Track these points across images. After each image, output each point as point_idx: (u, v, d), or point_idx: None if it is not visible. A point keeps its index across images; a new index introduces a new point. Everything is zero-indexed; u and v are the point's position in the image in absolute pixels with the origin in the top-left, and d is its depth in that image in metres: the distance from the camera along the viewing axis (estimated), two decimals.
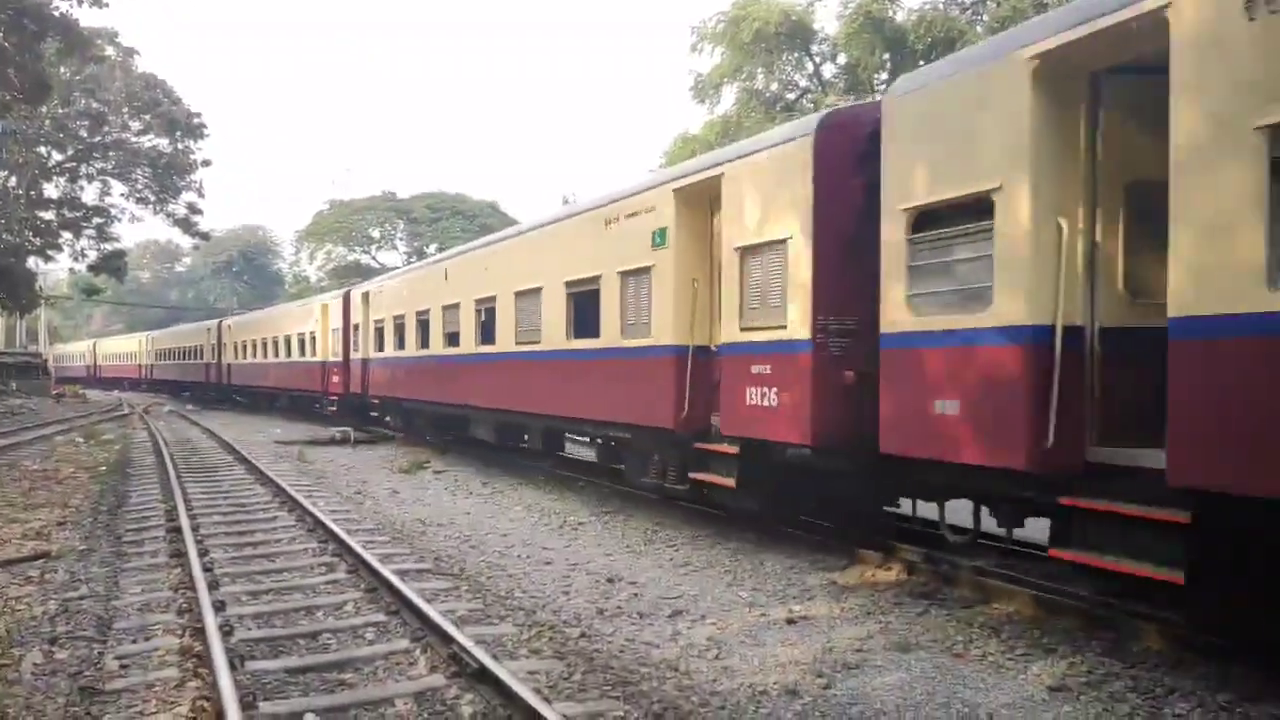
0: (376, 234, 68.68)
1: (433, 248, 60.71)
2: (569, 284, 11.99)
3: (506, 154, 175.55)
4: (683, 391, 9.37)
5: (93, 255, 43.97)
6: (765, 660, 5.70)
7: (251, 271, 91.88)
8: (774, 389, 8.12)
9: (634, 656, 5.77)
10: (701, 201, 9.57)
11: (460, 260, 16.88)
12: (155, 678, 5.26)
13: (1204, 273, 4.78)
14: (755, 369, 8.38)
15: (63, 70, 35.21)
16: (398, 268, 37.05)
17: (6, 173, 38.58)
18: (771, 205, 8.28)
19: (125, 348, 62.36)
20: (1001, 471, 6.14)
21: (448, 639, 5.62)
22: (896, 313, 6.94)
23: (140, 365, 56.04)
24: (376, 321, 21.34)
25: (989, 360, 6.17)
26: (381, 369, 21.10)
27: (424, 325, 17.93)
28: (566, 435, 14.92)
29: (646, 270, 10.14)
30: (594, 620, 6.60)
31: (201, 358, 41.20)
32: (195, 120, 44.32)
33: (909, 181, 6.84)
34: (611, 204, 11.26)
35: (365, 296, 22.35)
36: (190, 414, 32.71)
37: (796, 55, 31.72)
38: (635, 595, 7.31)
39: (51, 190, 42.75)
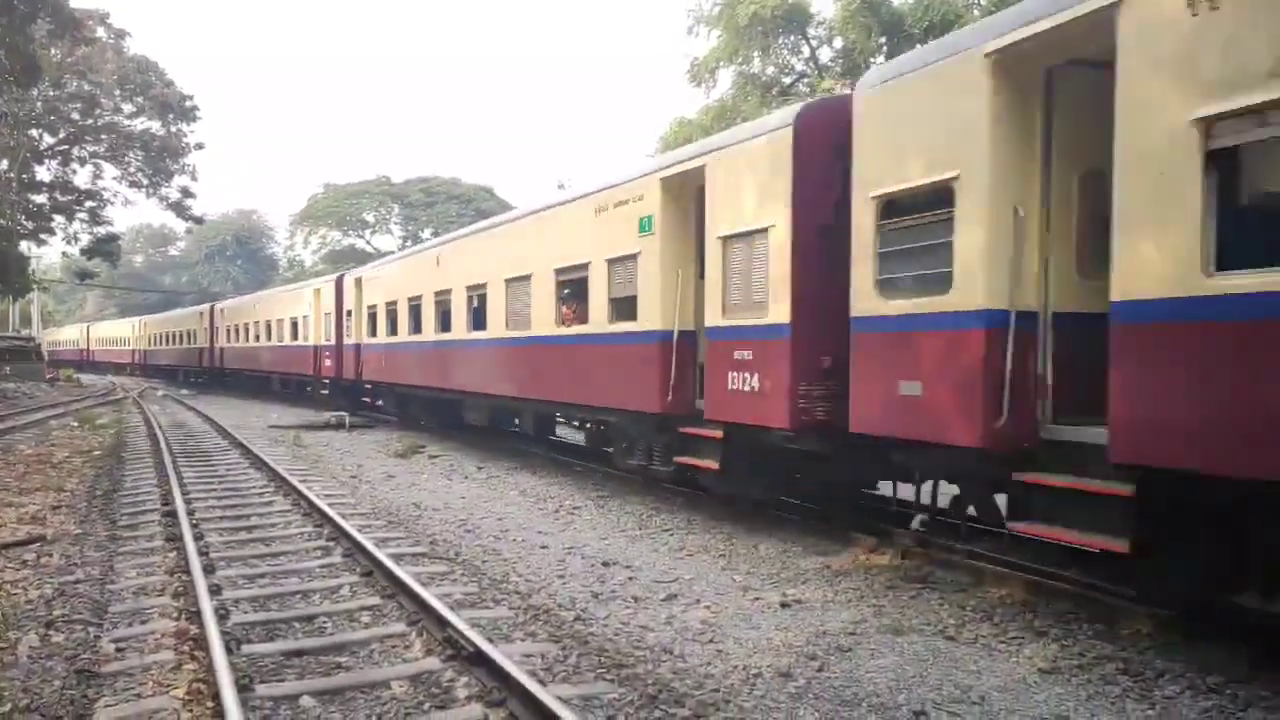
0: (371, 218, 68.41)
1: (427, 232, 60.51)
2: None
3: (501, 137, 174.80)
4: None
5: (85, 239, 43.75)
6: (759, 643, 5.73)
7: (246, 256, 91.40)
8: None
9: (629, 640, 5.80)
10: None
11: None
12: (151, 661, 5.27)
13: (1145, 260, 5.04)
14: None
15: (54, 52, 34.88)
16: (392, 252, 37.00)
17: None
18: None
19: (118, 332, 63.96)
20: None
21: (443, 622, 5.63)
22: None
23: (133, 350, 57.62)
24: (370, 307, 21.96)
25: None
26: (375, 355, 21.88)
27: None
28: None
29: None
30: (589, 604, 6.62)
31: (195, 342, 42.40)
32: (188, 103, 43.97)
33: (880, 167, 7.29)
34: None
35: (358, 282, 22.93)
36: (185, 398, 32.67)
37: (793, 39, 31.53)
38: (630, 579, 7.34)
39: (43, 173, 42.45)
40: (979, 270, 6.14)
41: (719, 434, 8.99)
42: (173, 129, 44.28)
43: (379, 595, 6.68)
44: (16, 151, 37.39)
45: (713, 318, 9.07)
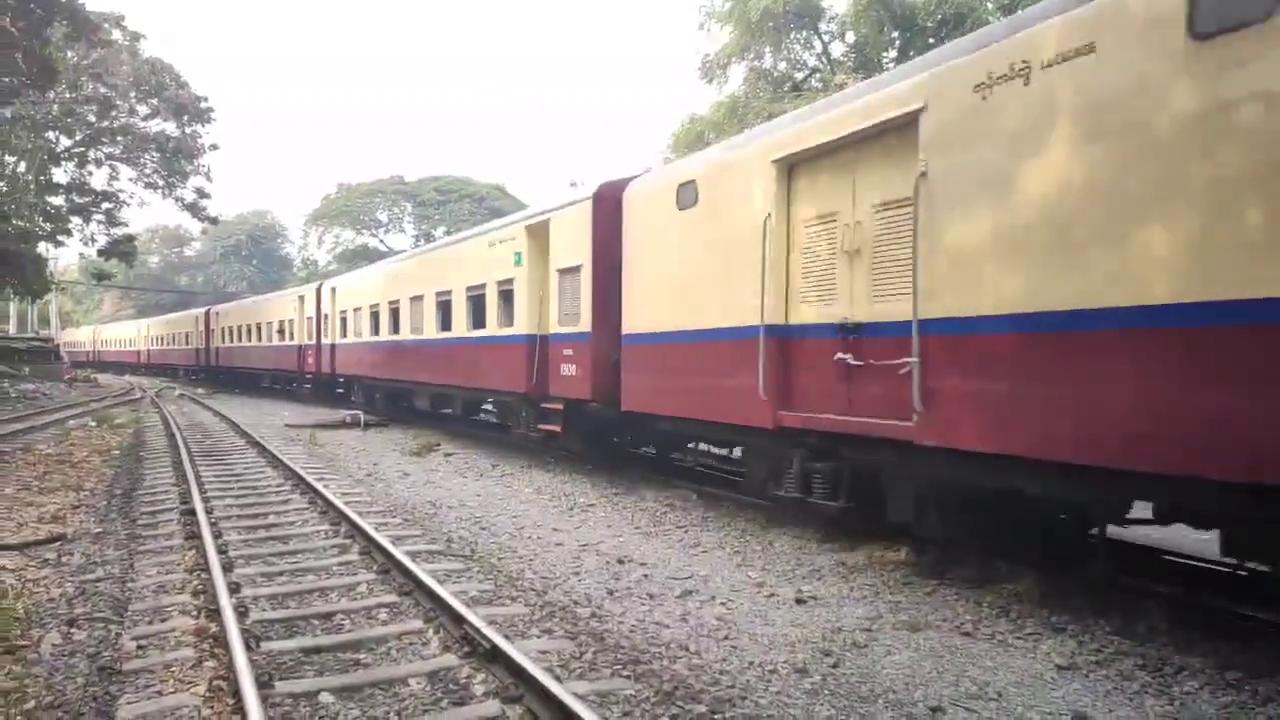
0: (384, 217, 68.77)
1: (440, 230, 60.72)
2: None
3: (513, 135, 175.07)
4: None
5: (102, 240, 43.92)
6: (775, 639, 5.74)
7: (260, 255, 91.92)
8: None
9: (644, 636, 5.81)
10: None
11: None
12: (172, 658, 5.32)
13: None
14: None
15: (70, 55, 35.15)
16: (405, 250, 37.44)
17: (15, 158, 38.57)
18: None
19: (123, 334, 68.59)
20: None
21: (460, 619, 5.66)
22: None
23: (139, 350, 61.76)
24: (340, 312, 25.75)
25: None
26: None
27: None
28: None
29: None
30: (604, 601, 6.64)
31: (191, 343, 47.15)
32: (202, 104, 44.24)
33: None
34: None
35: (332, 291, 26.80)
36: (201, 398, 32.91)
37: (805, 34, 31.46)
38: (645, 576, 7.36)
39: (60, 175, 42.67)
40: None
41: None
42: (187, 130, 44.56)
43: (396, 592, 6.72)
44: (34, 154, 37.68)
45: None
